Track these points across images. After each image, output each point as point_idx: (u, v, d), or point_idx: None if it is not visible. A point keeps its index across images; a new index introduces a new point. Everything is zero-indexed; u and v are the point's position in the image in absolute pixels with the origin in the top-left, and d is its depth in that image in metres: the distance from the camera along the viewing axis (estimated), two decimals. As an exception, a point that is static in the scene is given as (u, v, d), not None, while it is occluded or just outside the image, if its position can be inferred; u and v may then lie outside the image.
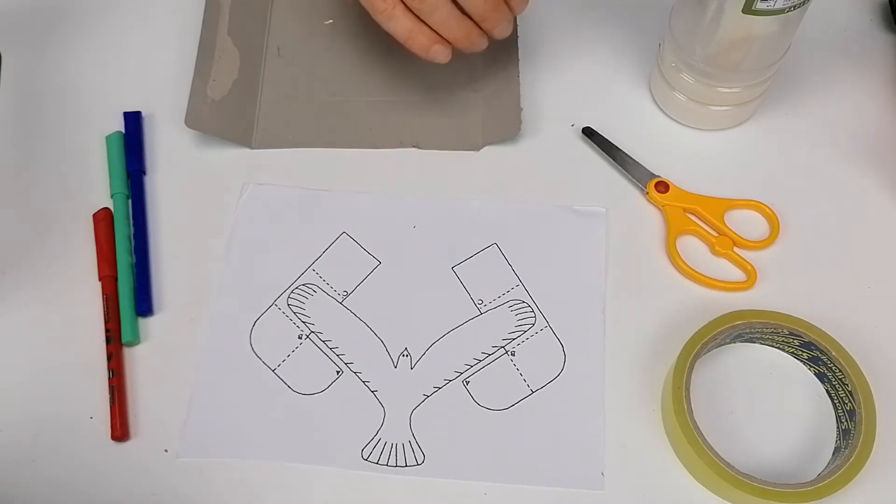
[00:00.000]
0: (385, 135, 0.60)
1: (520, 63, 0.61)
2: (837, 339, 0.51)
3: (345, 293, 0.55)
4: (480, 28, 0.55)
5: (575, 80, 0.63)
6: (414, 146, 0.60)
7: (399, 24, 0.54)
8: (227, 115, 0.60)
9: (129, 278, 0.54)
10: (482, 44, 0.56)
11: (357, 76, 0.63)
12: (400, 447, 0.50)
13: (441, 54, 0.55)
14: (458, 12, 0.54)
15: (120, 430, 0.50)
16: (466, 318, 0.54)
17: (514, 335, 0.54)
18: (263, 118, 0.61)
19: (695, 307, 0.54)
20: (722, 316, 0.52)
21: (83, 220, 0.57)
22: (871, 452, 0.48)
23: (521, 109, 0.60)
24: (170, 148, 0.60)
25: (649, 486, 0.50)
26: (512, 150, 0.60)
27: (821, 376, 0.52)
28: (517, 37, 0.63)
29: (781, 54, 0.56)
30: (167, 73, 0.62)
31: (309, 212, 0.58)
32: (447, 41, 0.55)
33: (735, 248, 0.56)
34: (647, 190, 0.58)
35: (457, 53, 0.56)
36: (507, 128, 0.59)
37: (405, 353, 0.53)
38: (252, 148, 0.60)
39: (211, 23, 0.63)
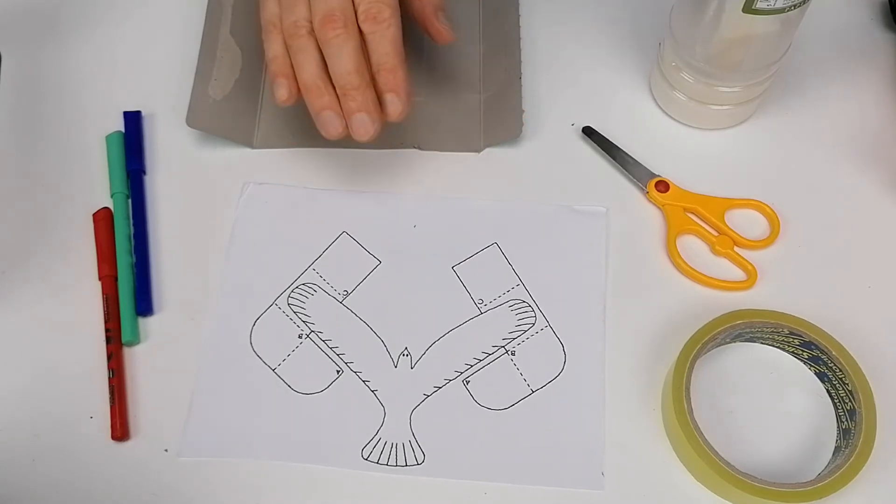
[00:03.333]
0: (386, 136, 0.60)
1: (521, 65, 0.61)
2: (837, 339, 0.51)
3: (345, 293, 0.55)
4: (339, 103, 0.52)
5: (575, 79, 0.63)
6: (415, 147, 0.60)
7: (270, 48, 0.54)
8: (228, 115, 0.60)
9: (129, 278, 0.54)
10: (331, 124, 0.52)
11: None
12: (400, 447, 0.50)
13: (283, 93, 0.53)
14: (323, 72, 0.52)
15: (120, 429, 0.50)
16: (466, 317, 0.54)
17: (514, 335, 0.54)
18: (265, 118, 0.61)
19: (695, 307, 0.54)
20: (722, 316, 0.52)
21: (83, 220, 0.57)
22: (871, 452, 0.48)
23: (523, 111, 0.60)
24: (170, 148, 0.60)
25: (649, 486, 0.50)
26: (512, 149, 0.60)
27: (821, 376, 0.52)
28: (519, 38, 0.63)
29: (781, 54, 0.56)
30: (167, 73, 0.62)
31: (309, 211, 0.58)
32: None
33: (735, 248, 0.56)
34: (648, 189, 0.58)
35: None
36: (508, 130, 0.59)
37: (405, 352, 0.53)
38: (253, 148, 0.60)
39: (213, 22, 0.63)
